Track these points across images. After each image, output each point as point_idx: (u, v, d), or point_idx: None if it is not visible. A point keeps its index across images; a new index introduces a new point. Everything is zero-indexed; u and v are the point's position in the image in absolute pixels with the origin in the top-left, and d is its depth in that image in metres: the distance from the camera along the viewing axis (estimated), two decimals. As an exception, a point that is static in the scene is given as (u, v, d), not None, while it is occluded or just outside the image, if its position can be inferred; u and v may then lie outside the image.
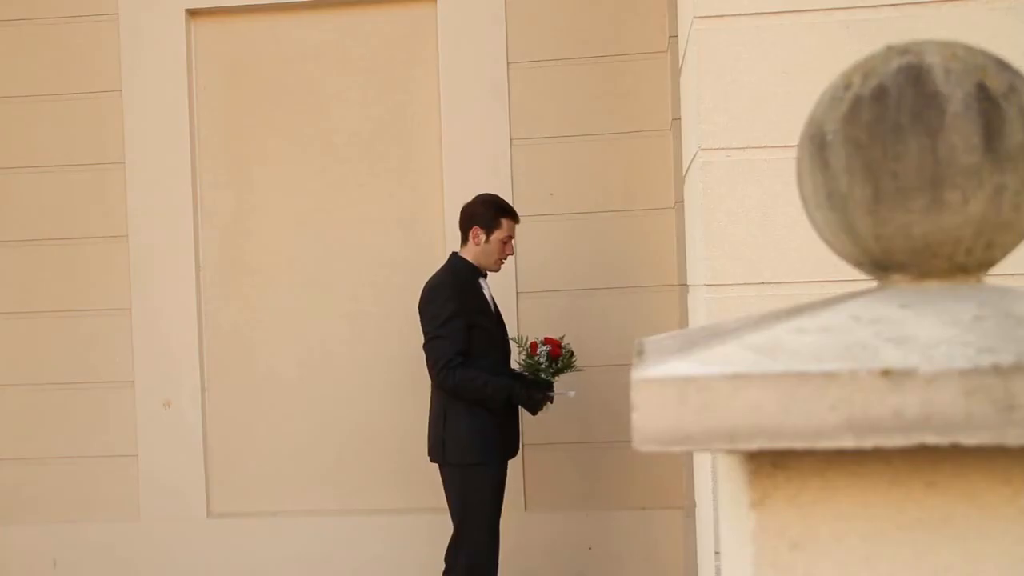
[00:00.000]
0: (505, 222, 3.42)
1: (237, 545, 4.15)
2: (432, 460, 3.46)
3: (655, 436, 0.73)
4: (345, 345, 4.18)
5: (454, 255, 3.48)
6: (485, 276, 3.47)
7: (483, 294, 3.44)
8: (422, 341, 3.35)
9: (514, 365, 3.52)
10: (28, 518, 4.25)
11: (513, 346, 3.52)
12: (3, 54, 4.27)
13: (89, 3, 4.22)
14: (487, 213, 3.41)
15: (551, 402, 3.42)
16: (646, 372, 0.74)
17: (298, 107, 4.22)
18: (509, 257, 3.49)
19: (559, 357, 3.41)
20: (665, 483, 3.98)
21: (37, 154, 4.25)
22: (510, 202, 4.04)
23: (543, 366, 3.40)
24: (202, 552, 4.16)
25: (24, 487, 4.25)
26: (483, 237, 3.40)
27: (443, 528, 4.01)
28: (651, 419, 0.73)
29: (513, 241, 3.46)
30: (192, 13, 4.20)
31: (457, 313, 3.31)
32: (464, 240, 3.45)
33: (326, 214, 4.20)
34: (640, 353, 0.92)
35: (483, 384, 3.30)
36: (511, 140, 4.06)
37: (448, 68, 4.09)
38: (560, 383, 3.44)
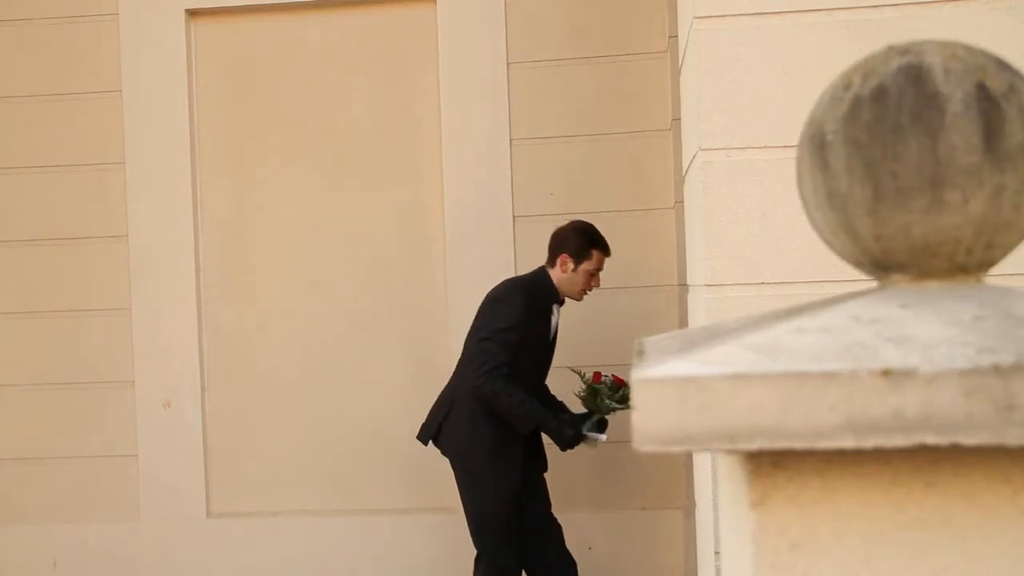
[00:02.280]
0: (596, 254, 3.35)
1: (237, 545, 4.15)
2: (420, 439, 3.44)
3: (655, 436, 0.73)
4: (345, 345, 4.17)
5: (543, 270, 3.41)
6: (562, 303, 3.42)
7: (550, 319, 3.39)
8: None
9: (567, 395, 3.51)
10: (28, 518, 4.25)
11: (569, 374, 3.48)
12: (3, 54, 4.27)
13: (89, 3, 4.22)
14: (579, 242, 3.35)
15: (585, 442, 3.36)
16: (646, 372, 0.74)
17: (298, 107, 4.21)
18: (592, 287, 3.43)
19: (622, 386, 3.37)
20: (665, 483, 3.98)
21: (37, 154, 4.24)
22: (509, 202, 4.03)
23: (605, 393, 3.35)
24: (202, 552, 4.16)
25: (24, 487, 4.25)
26: (571, 265, 3.34)
27: (443, 528, 4.01)
28: (651, 419, 0.73)
29: (599, 275, 3.40)
30: (192, 13, 4.20)
31: (518, 326, 3.25)
32: (551, 263, 3.39)
33: (326, 214, 4.20)
34: (640, 353, 0.92)
35: (519, 401, 3.23)
36: (511, 140, 4.06)
37: (448, 68, 4.09)
38: (591, 425, 3.40)
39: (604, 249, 3.39)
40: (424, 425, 3.45)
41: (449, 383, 3.45)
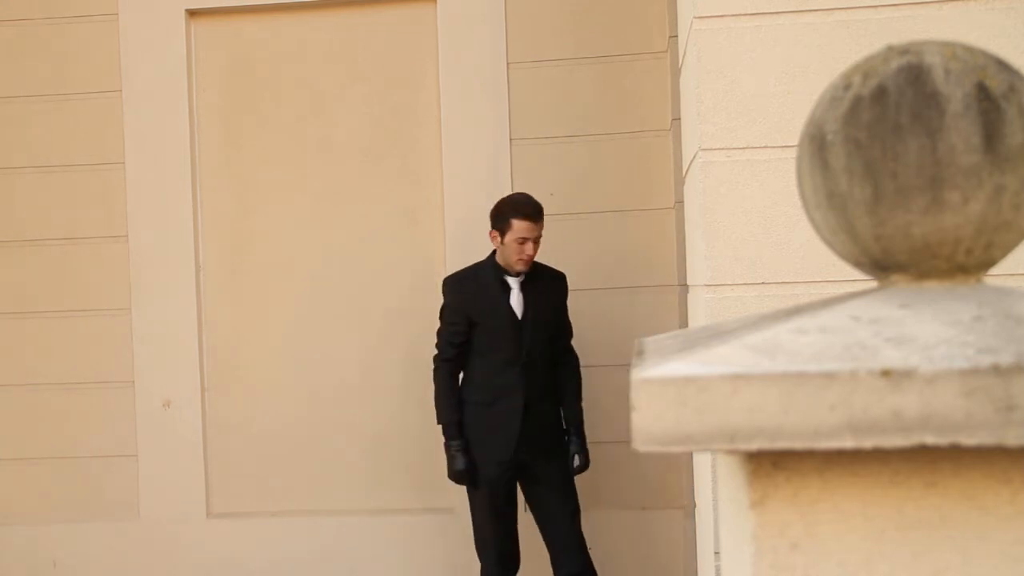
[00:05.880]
0: (515, 223, 3.33)
1: (237, 545, 4.15)
2: None
3: (655, 436, 0.73)
4: (345, 344, 4.17)
5: (492, 252, 3.49)
6: (520, 276, 3.41)
7: (497, 294, 3.39)
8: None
9: None
10: (28, 518, 4.25)
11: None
12: (3, 54, 4.27)
13: (89, 3, 4.22)
14: (498, 215, 3.40)
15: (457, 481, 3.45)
16: (646, 372, 0.74)
17: (298, 107, 4.21)
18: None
19: None
20: (665, 483, 3.98)
21: (37, 154, 4.24)
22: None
23: None
24: (202, 552, 4.16)
25: (24, 487, 4.25)
26: (499, 239, 3.39)
27: (443, 528, 4.02)
28: (651, 419, 0.73)
29: (530, 242, 3.35)
30: (192, 13, 4.20)
31: (451, 307, 3.44)
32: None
33: (326, 214, 4.20)
34: (640, 353, 0.92)
35: (439, 397, 3.45)
36: (511, 140, 4.06)
37: (448, 68, 4.09)
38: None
39: (524, 216, 3.34)
40: None
41: None
